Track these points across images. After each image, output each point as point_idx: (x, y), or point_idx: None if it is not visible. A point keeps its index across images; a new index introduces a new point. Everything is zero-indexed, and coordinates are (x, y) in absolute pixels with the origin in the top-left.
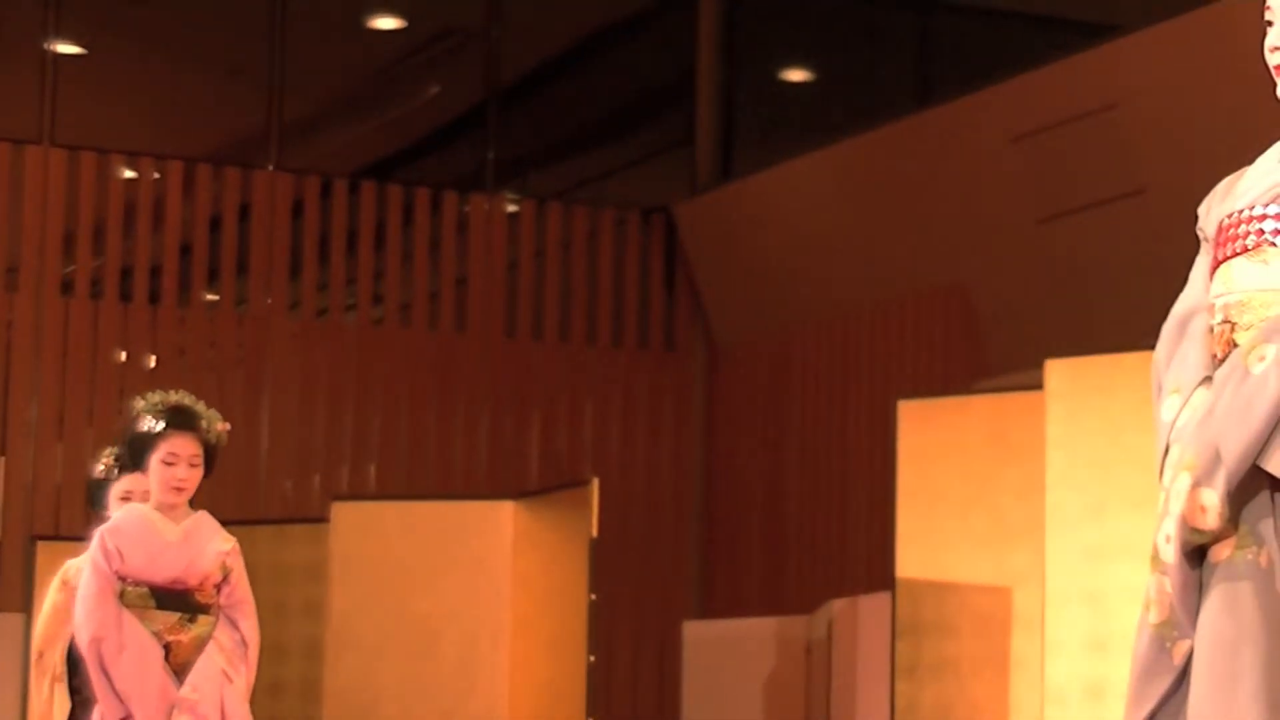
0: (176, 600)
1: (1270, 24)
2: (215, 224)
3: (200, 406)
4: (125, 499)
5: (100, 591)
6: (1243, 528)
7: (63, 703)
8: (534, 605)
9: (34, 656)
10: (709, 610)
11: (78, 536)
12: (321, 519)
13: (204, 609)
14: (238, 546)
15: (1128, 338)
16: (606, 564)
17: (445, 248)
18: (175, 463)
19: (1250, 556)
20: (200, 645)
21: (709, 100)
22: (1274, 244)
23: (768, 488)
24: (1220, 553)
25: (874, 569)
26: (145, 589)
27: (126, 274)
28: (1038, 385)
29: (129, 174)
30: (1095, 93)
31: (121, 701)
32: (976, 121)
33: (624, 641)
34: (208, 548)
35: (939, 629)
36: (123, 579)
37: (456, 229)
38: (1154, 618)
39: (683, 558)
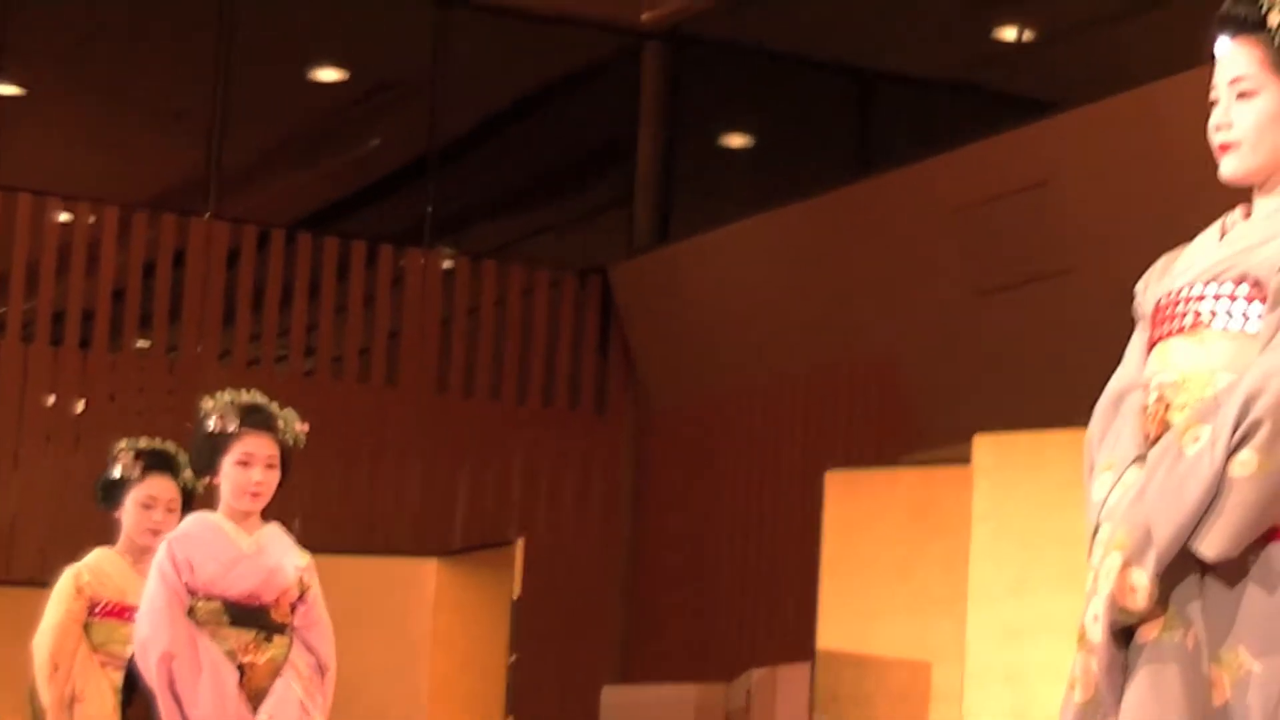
0: (251, 617)
1: (1215, 103)
2: (149, 270)
3: (275, 406)
4: (147, 506)
5: (170, 605)
6: (1171, 609)
7: None
8: (454, 664)
9: (46, 672)
10: (630, 675)
11: (18, 581)
12: None
13: (280, 628)
14: (313, 563)
15: (1056, 415)
16: (528, 625)
17: (380, 301)
18: (251, 464)
19: (1177, 638)
20: (275, 670)
21: (648, 162)
22: (1211, 324)
23: (693, 553)
24: (1148, 633)
25: (796, 639)
26: (218, 604)
27: (58, 318)
28: (965, 459)
29: (65, 217)
30: (1027, 169)
31: None
32: (914, 193)
33: (543, 704)
34: (285, 561)
35: (857, 702)
36: (193, 592)
37: (391, 283)
38: (1079, 696)
39: (605, 621)
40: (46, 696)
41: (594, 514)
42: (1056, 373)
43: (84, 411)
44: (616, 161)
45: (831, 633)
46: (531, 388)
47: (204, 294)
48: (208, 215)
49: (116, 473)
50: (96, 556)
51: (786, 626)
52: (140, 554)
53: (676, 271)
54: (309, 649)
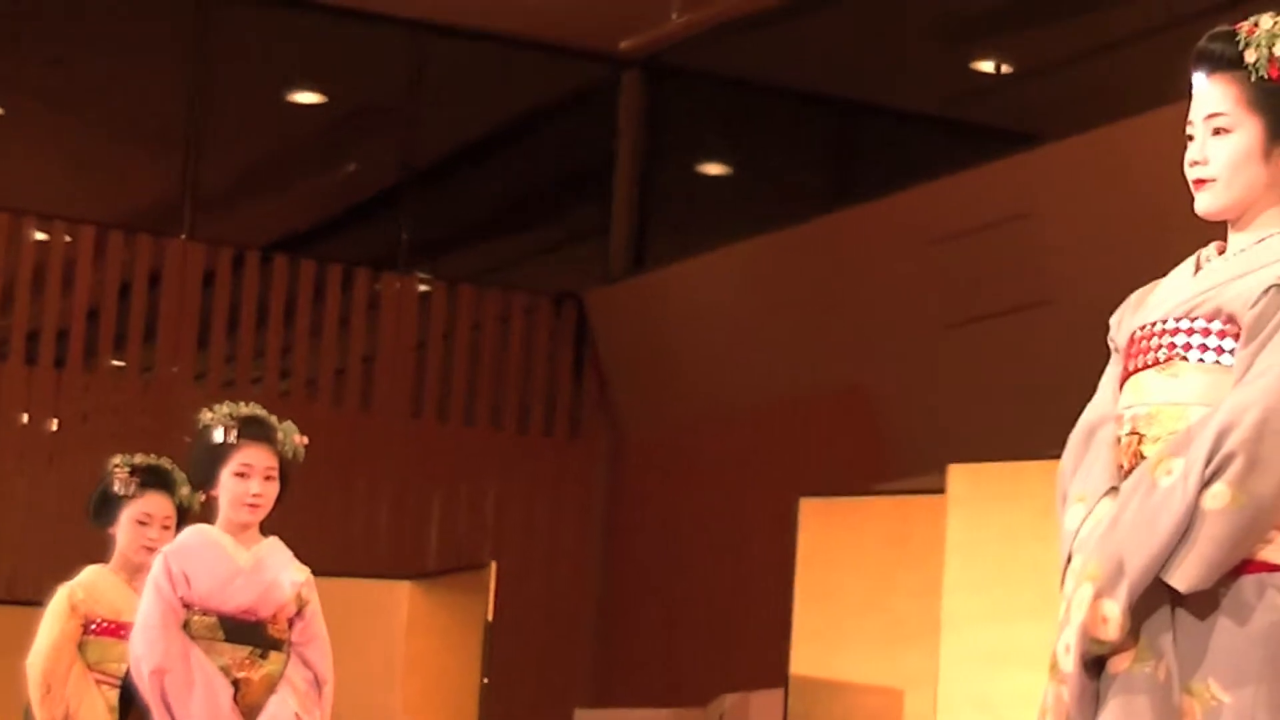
0: (248, 633)
1: (1191, 138)
2: (125, 290)
3: (274, 418)
4: (143, 523)
5: (164, 619)
6: (1143, 640)
7: None
8: (426, 686)
9: (39, 694)
10: (602, 699)
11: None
12: None
13: (277, 644)
14: (312, 578)
15: (1031, 446)
16: (501, 648)
17: (355, 325)
18: (249, 475)
19: (1149, 670)
20: (271, 685)
21: (625, 190)
22: (1185, 358)
23: (666, 578)
24: (1119, 664)
25: (768, 665)
26: (213, 619)
27: (33, 337)
28: (939, 489)
29: (40, 236)
30: (1005, 202)
31: None
32: (890, 224)
33: None
34: (282, 576)
35: None
36: (188, 606)
37: (367, 307)
38: None
39: (578, 645)
40: (40, 717)
41: (567, 538)
42: (1031, 404)
43: (57, 431)
44: (593, 189)
45: (805, 659)
46: (506, 413)
47: (179, 315)
48: (184, 236)
49: (111, 489)
50: (90, 574)
51: (760, 652)
52: (135, 571)
53: (652, 299)
54: (306, 664)
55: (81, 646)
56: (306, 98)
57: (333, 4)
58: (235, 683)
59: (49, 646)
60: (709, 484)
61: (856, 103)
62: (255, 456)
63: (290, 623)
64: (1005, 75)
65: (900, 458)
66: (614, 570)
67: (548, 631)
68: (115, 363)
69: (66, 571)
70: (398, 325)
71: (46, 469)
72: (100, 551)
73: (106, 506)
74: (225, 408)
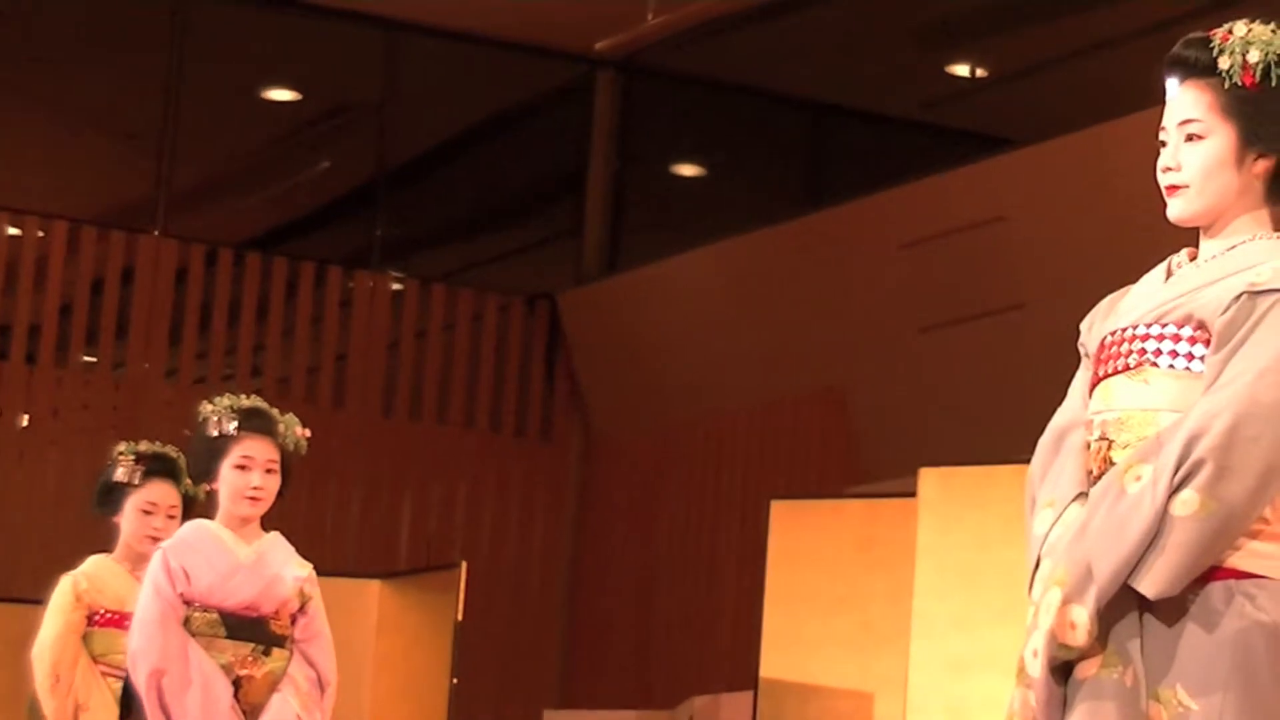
0: (249, 629)
1: (1164, 144)
2: (97, 286)
3: (275, 411)
4: (147, 512)
5: (163, 617)
6: (1110, 646)
7: None
8: (396, 686)
9: (48, 684)
10: (571, 700)
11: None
12: None
13: (279, 641)
14: (314, 573)
15: (1002, 450)
16: (470, 648)
17: (327, 323)
18: (250, 467)
19: (1116, 675)
20: (273, 683)
21: (599, 191)
22: (1155, 364)
23: (637, 580)
24: (1086, 670)
25: (738, 667)
26: (214, 615)
27: (4, 332)
28: (911, 492)
29: (13, 231)
30: (981, 206)
31: None
32: (864, 227)
33: None
34: (285, 571)
35: None
36: (188, 603)
37: (340, 305)
38: None
39: (547, 646)
40: (49, 708)
41: (537, 539)
42: (1005, 407)
43: (27, 426)
44: (567, 189)
45: (775, 662)
46: (478, 413)
47: (151, 311)
48: (157, 233)
49: (116, 476)
50: (93, 564)
51: (729, 654)
52: (139, 561)
53: (625, 300)
54: (309, 663)
55: (86, 638)
56: (281, 95)
57: (308, 2)
58: (237, 681)
59: (54, 636)
60: (680, 485)
61: (832, 105)
62: (256, 449)
63: (293, 619)
64: (980, 79)
65: (872, 460)
66: (584, 571)
67: (517, 632)
68: (87, 359)
69: (38, 566)
70: (370, 324)
71: (16, 465)
72: (71, 546)
73: (110, 494)
74: (226, 400)
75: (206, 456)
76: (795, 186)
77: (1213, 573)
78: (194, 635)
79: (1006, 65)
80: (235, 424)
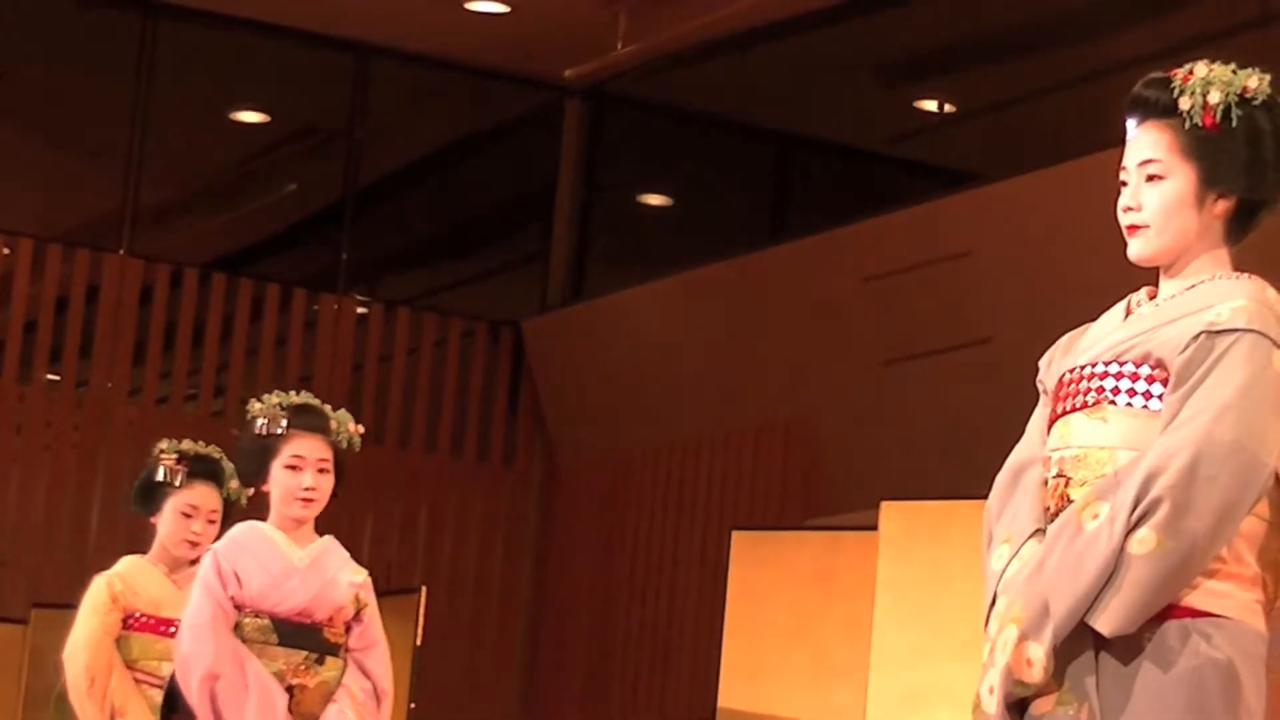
0: (303, 636)
1: (1124, 184)
2: (62, 304)
3: (328, 408)
4: (187, 515)
5: (215, 620)
6: (1066, 683)
7: None
8: None
9: (84, 686)
10: None
11: None
12: None
13: (333, 649)
14: (369, 580)
15: (963, 485)
16: (429, 673)
17: (291, 345)
18: (302, 467)
19: (1071, 713)
20: (328, 694)
21: (565, 218)
22: (1113, 402)
23: (597, 607)
24: (1042, 707)
25: (697, 697)
26: (266, 621)
27: None
28: (871, 526)
29: None
30: (946, 240)
31: None
32: (830, 260)
33: None
34: (340, 576)
35: None
36: (239, 607)
37: (304, 327)
38: None
39: (506, 672)
40: (86, 711)
41: (498, 565)
42: (967, 442)
43: None
44: (534, 216)
45: (733, 692)
46: (440, 437)
47: (115, 330)
48: (122, 252)
49: (157, 475)
50: (127, 564)
51: (688, 684)
52: (175, 564)
53: (589, 328)
54: (365, 673)
55: (120, 642)
56: (249, 116)
57: (277, 23)
58: (289, 690)
59: (88, 638)
60: (642, 514)
61: (798, 137)
62: (307, 448)
63: (347, 627)
64: (947, 114)
65: (834, 493)
66: (544, 598)
67: (476, 657)
68: (50, 377)
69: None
70: (334, 347)
71: None
72: (34, 560)
73: (150, 493)
74: (275, 397)
75: (256, 456)
76: (761, 218)
77: (1169, 611)
78: (244, 642)
79: (974, 100)
80: (285, 422)
